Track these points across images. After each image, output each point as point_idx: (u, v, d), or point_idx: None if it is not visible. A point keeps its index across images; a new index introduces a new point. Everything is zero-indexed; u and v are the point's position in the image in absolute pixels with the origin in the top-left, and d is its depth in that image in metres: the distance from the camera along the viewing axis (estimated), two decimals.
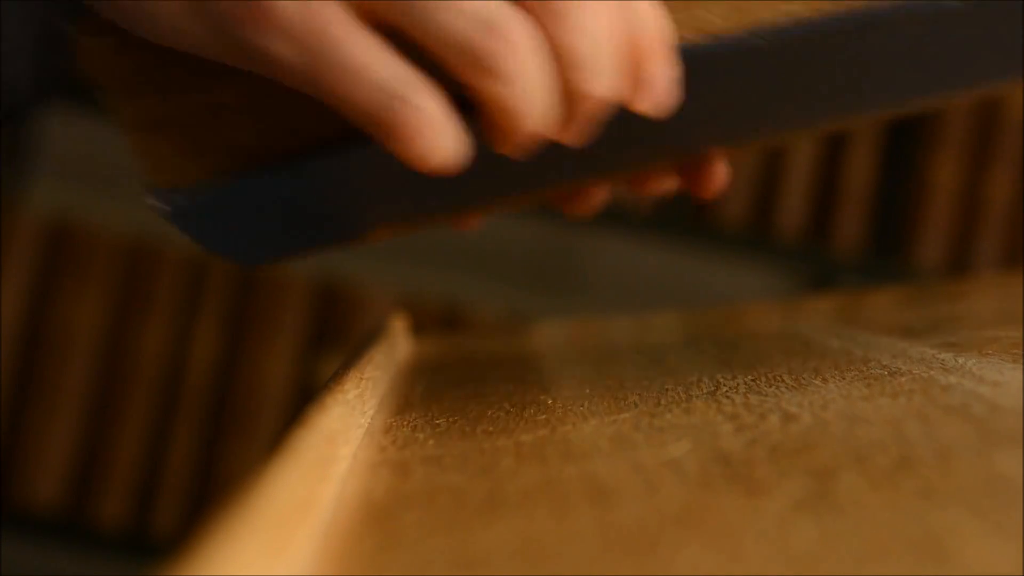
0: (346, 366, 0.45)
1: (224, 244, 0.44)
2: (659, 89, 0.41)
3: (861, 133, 1.55)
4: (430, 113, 0.38)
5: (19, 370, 1.42)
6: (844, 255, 1.53)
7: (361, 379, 0.43)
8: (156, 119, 0.43)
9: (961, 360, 0.41)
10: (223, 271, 1.43)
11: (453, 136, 0.39)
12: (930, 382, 0.40)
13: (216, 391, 1.42)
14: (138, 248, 1.43)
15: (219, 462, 1.42)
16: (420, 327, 0.81)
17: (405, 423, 0.42)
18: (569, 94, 0.40)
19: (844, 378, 0.40)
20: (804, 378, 0.40)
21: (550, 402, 0.44)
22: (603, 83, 0.40)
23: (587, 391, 0.46)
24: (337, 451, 0.36)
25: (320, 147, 0.43)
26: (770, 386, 0.40)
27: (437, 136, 0.39)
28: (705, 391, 0.41)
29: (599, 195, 0.53)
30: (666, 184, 0.53)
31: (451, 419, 0.42)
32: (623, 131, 0.44)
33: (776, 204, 1.53)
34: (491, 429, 0.40)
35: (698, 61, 0.43)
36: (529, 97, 0.39)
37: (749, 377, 0.43)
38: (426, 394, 0.48)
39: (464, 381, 0.52)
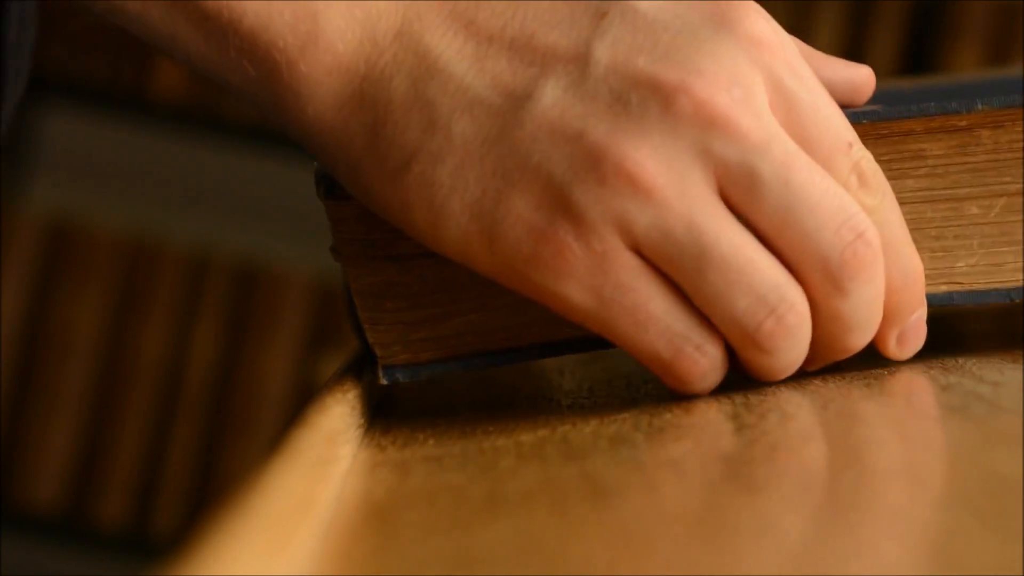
0: (346, 366, 0.45)
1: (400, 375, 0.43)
2: (919, 339, 0.41)
3: None
4: (713, 358, 0.39)
5: (19, 370, 1.42)
6: None
7: (361, 379, 0.43)
8: (387, 287, 0.42)
9: (961, 360, 0.41)
10: (223, 271, 1.43)
11: (724, 373, 0.39)
12: (930, 382, 0.40)
13: (216, 391, 1.42)
14: (138, 248, 1.43)
15: (219, 462, 1.42)
16: None
17: (405, 423, 0.42)
18: (829, 346, 0.40)
19: (844, 378, 0.40)
20: (804, 378, 0.40)
21: (550, 402, 0.44)
22: (868, 337, 0.40)
23: (587, 390, 0.46)
24: (337, 451, 0.36)
25: (552, 344, 0.42)
26: (770, 386, 0.40)
27: (716, 377, 0.39)
28: None
29: None
30: None
31: (451, 419, 0.42)
32: None
33: None
34: (491, 429, 0.39)
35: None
36: (789, 366, 0.39)
37: None
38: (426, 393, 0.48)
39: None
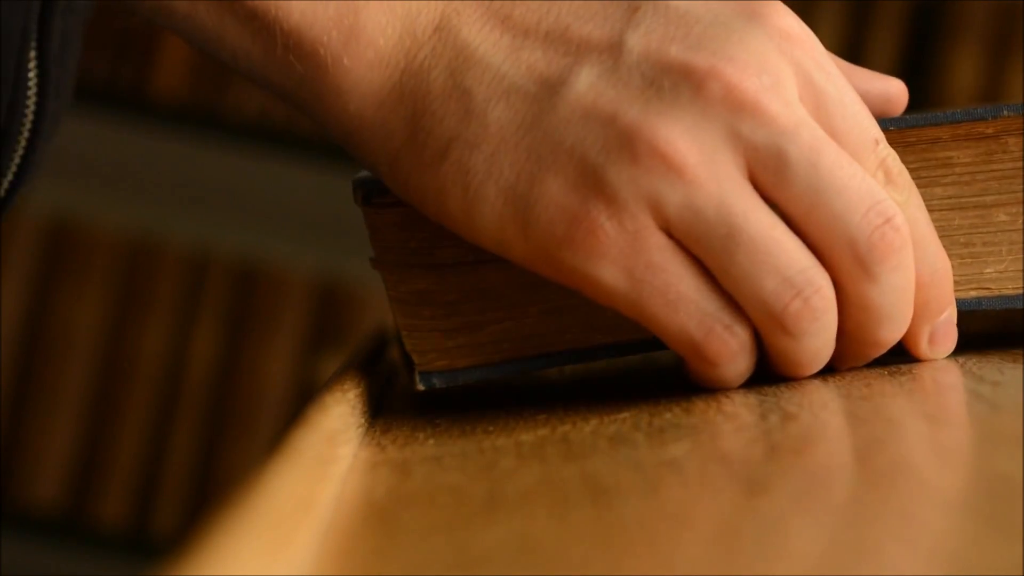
0: (346, 366, 0.45)
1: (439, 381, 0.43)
2: (951, 339, 0.41)
3: None
4: (742, 340, 0.39)
5: (19, 370, 1.42)
6: None
7: (361, 378, 0.43)
8: (424, 295, 0.42)
9: (961, 360, 0.41)
10: (223, 271, 1.43)
11: (753, 359, 0.40)
12: (930, 382, 0.40)
13: (216, 391, 1.42)
14: (138, 248, 1.43)
15: (219, 462, 1.42)
16: None
17: (405, 423, 0.42)
18: (859, 339, 0.40)
19: (844, 378, 0.40)
20: (804, 380, 0.40)
21: (550, 402, 0.44)
22: (899, 331, 0.40)
23: (587, 390, 0.46)
24: (337, 451, 0.36)
25: (584, 349, 0.42)
26: (770, 386, 0.40)
27: (746, 361, 0.39)
28: (705, 390, 0.41)
29: None
30: None
31: (451, 419, 0.42)
32: None
33: None
34: (491, 429, 0.40)
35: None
36: (815, 354, 0.39)
37: None
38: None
39: None
